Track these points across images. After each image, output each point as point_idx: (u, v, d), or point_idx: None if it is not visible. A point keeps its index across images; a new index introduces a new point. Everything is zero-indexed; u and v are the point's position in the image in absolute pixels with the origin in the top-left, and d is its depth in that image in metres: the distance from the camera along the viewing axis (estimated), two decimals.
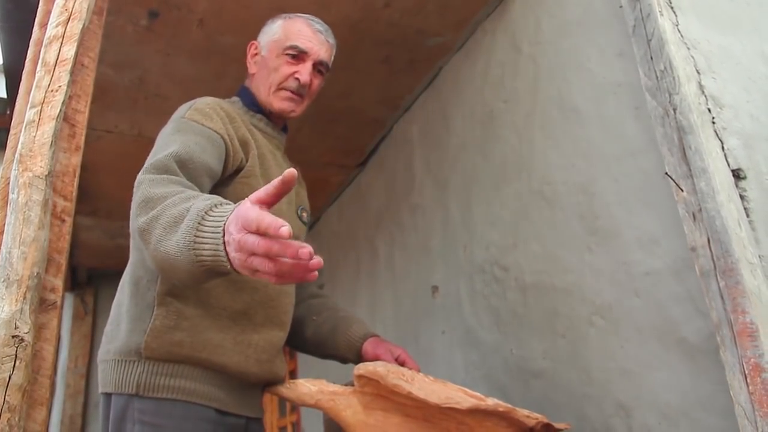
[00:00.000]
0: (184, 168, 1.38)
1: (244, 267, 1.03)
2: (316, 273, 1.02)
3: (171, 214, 1.18)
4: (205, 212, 1.12)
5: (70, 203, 1.42)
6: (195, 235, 1.10)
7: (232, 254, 1.04)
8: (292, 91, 1.71)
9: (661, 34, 1.53)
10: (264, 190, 1.02)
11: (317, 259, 0.99)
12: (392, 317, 2.89)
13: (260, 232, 0.98)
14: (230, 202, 1.13)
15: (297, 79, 1.70)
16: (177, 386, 1.41)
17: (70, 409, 4.39)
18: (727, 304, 1.29)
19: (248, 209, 1.01)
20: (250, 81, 1.79)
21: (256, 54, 1.78)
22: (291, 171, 0.99)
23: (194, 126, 1.51)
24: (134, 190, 1.33)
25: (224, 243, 1.06)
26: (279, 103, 1.71)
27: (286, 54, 1.70)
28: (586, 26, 1.86)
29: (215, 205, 1.13)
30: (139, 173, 1.36)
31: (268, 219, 0.97)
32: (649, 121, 1.57)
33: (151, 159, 1.40)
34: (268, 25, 1.80)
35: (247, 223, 1.00)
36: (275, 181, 1.01)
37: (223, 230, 1.07)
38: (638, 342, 1.59)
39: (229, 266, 1.07)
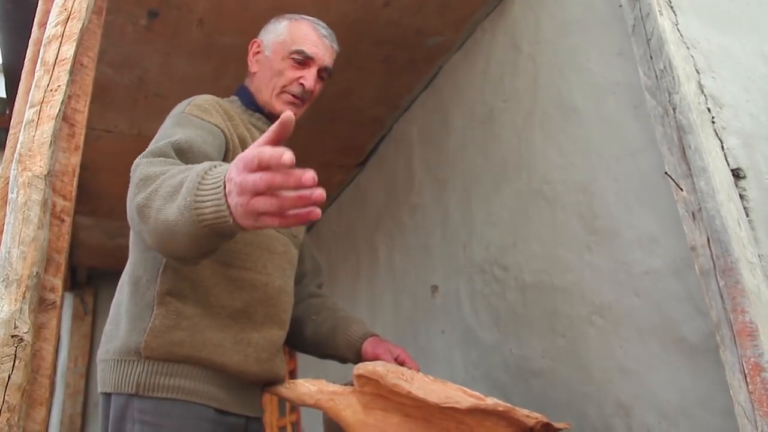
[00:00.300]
0: (183, 156, 1.36)
1: (248, 212, 1.01)
2: (320, 212, 1.00)
3: (170, 184, 1.16)
4: (205, 171, 1.11)
5: (69, 203, 1.42)
6: (195, 194, 1.09)
7: (235, 202, 1.02)
8: (295, 96, 1.70)
9: (661, 33, 1.53)
10: (263, 137, 1.01)
11: (320, 191, 0.97)
12: (392, 317, 2.89)
13: (262, 167, 0.97)
14: (218, 175, 1.09)
15: (302, 84, 1.70)
16: (177, 386, 1.41)
17: (70, 409, 4.39)
18: (726, 303, 1.29)
19: (247, 151, 1.00)
20: (250, 80, 1.78)
21: (258, 52, 1.77)
22: (287, 113, 0.99)
23: (194, 120, 1.51)
24: (131, 173, 1.31)
25: (225, 195, 1.05)
26: (281, 106, 1.70)
27: (292, 58, 1.70)
28: (586, 26, 1.86)
29: (215, 165, 1.12)
30: (137, 158, 1.34)
31: (269, 150, 0.96)
32: (648, 121, 1.57)
33: (150, 147, 1.38)
34: (273, 24, 1.79)
35: (248, 161, 0.98)
36: (273, 126, 1.00)
37: (224, 182, 1.06)
38: (638, 341, 1.59)
39: (231, 220, 1.05)
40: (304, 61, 1.70)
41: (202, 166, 1.13)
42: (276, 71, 1.70)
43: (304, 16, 1.78)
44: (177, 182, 1.15)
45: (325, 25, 1.78)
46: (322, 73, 1.74)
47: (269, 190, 0.98)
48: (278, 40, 1.73)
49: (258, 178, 0.97)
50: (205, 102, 1.58)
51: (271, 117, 1.74)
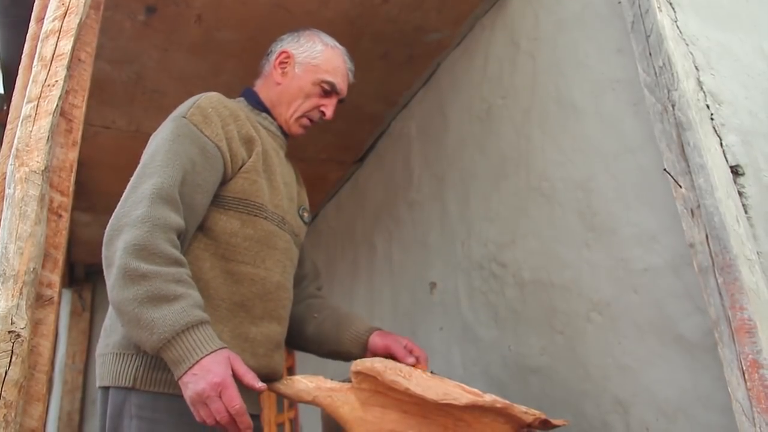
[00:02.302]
0: (180, 194, 1.44)
1: (192, 402, 1.27)
2: None
3: (160, 293, 1.31)
4: (201, 322, 1.32)
5: (66, 198, 1.42)
6: (182, 330, 1.28)
7: (195, 383, 1.25)
8: (313, 121, 1.81)
9: (660, 30, 1.53)
10: (247, 379, 1.31)
11: None
12: (390, 313, 2.89)
13: (229, 413, 1.25)
14: (214, 337, 1.32)
15: (323, 112, 1.80)
16: (173, 380, 1.40)
17: (68, 406, 4.38)
18: (725, 300, 1.29)
19: (235, 390, 1.27)
20: (266, 86, 1.81)
21: (286, 64, 1.80)
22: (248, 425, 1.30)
23: (192, 132, 1.52)
24: (135, 201, 1.38)
25: (198, 362, 1.27)
26: (297, 128, 1.81)
27: (321, 86, 1.78)
28: (585, 22, 1.85)
29: (209, 322, 1.34)
30: (145, 190, 1.40)
31: (247, 420, 1.28)
32: (647, 118, 1.57)
33: (154, 177, 1.42)
34: (305, 40, 1.83)
35: (229, 399, 1.25)
36: (253, 383, 1.31)
37: (205, 357, 1.28)
38: (636, 338, 1.59)
39: (179, 375, 1.29)
40: (330, 91, 1.79)
41: (199, 313, 1.33)
42: (304, 94, 1.77)
43: (336, 43, 1.86)
44: (170, 292, 1.31)
45: (350, 56, 1.88)
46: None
47: (213, 418, 1.26)
48: (312, 62, 1.79)
49: (220, 414, 1.25)
50: (210, 104, 1.59)
51: (280, 126, 1.80)
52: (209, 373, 1.26)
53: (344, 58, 1.85)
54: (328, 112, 1.80)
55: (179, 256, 1.38)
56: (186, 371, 1.27)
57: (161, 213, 1.37)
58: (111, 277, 1.34)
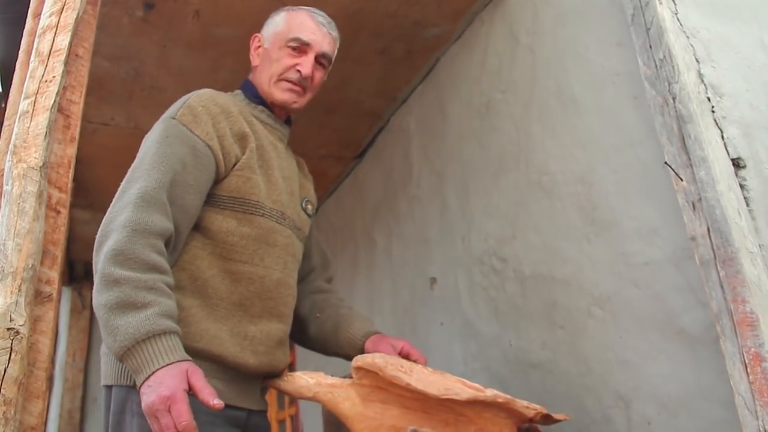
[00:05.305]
0: (170, 195, 1.44)
1: (146, 414, 1.23)
2: None
3: (130, 300, 1.29)
4: (165, 332, 1.28)
5: (65, 195, 1.41)
6: (142, 339, 1.26)
7: (147, 395, 1.22)
8: (293, 83, 1.70)
9: (660, 22, 1.52)
10: (203, 394, 1.24)
11: None
12: (390, 309, 2.89)
13: (177, 429, 1.19)
14: (176, 348, 1.29)
15: (299, 71, 1.69)
16: None
17: (69, 404, 4.38)
18: (727, 293, 1.29)
19: (185, 405, 1.20)
20: (253, 74, 1.78)
21: (258, 46, 1.78)
22: (218, 404, 1.24)
23: (181, 133, 1.51)
24: (121, 207, 1.39)
25: (153, 373, 1.24)
26: (280, 94, 1.71)
27: (289, 46, 1.70)
28: (585, 15, 1.84)
29: (176, 333, 1.31)
30: (131, 195, 1.39)
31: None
32: (648, 111, 1.57)
33: (140, 181, 1.41)
34: (272, 17, 1.80)
35: (177, 414, 1.19)
36: (208, 400, 1.23)
37: (160, 369, 1.24)
38: (637, 332, 1.59)
39: (138, 385, 1.26)
40: (300, 48, 1.70)
41: (166, 323, 1.29)
42: (274, 60, 1.71)
43: (302, 6, 1.78)
44: (137, 302, 1.29)
45: (323, 14, 1.78)
46: (321, 60, 1.74)
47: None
48: (276, 30, 1.74)
49: (168, 428, 1.19)
50: (200, 103, 1.57)
51: (273, 108, 1.75)
52: (161, 385, 1.23)
53: (311, 14, 1.76)
54: (304, 68, 1.69)
55: (158, 261, 1.36)
56: (143, 382, 1.25)
57: (144, 217, 1.36)
58: (95, 282, 1.34)
